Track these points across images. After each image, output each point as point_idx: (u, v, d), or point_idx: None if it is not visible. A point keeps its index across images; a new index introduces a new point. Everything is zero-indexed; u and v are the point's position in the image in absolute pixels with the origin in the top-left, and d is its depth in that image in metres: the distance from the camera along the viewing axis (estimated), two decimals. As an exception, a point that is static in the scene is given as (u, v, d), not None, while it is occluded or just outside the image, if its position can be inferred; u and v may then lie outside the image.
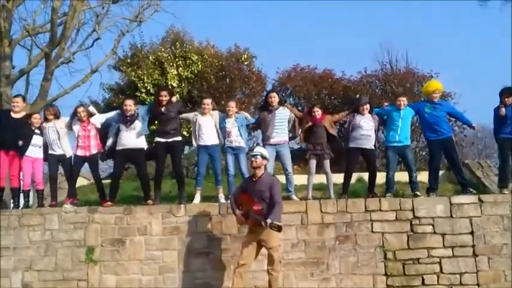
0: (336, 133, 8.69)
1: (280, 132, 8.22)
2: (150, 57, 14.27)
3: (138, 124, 8.06)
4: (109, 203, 8.07)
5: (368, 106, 8.39)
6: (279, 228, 6.14)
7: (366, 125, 8.24)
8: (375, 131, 8.40)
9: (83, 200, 8.55)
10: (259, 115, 8.51)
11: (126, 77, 14.58)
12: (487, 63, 46.76)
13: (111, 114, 8.44)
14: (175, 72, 13.89)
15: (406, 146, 8.33)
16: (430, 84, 8.74)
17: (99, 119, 8.29)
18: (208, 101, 8.45)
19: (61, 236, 7.69)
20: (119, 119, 8.13)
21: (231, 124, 8.26)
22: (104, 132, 8.26)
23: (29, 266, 7.63)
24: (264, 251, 6.63)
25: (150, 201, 8.06)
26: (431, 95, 8.30)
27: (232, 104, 8.39)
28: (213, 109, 8.49)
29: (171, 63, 14.01)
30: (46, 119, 8.38)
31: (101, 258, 7.59)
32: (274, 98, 8.32)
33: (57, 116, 8.38)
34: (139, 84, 13.72)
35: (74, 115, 8.20)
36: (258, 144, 10.51)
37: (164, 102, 8.24)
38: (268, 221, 6.13)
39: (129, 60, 14.65)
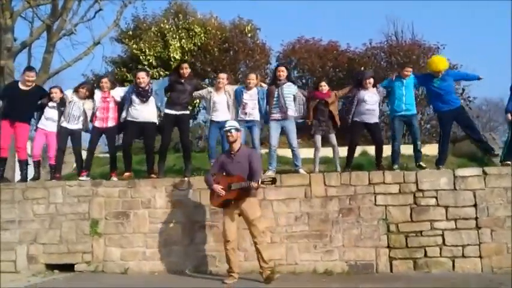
0: (337, 109, 8.57)
1: (285, 108, 8.12)
2: (153, 29, 14.10)
3: (151, 100, 8.05)
4: (127, 173, 8.17)
5: (372, 80, 8.31)
6: (273, 181, 6.11)
7: (370, 100, 8.21)
8: (380, 105, 8.34)
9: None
10: (268, 89, 8.43)
11: (128, 50, 14.46)
12: (495, 35, 46.08)
13: (127, 88, 8.48)
14: (178, 45, 13.74)
15: (413, 114, 8.33)
16: (435, 63, 8.25)
17: (119, 93, 8.31)
18: (224, 76, 8.43)
19: (65, 209, 7.75)
20: (133, 91, 8.09)
21: (248, 96, 8.16)
22: (120, 105, 8.27)
23: (34, 239, 7.71)
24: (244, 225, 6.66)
25: (153, 175, 8.07)
26: (436, 73, 8.13)
27: (252, 77, 8.27)
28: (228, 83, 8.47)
29: (174, 35, 13.85)
30: (77, 92, 8.29)
31: (105, 231, 7.66)
32: (283, 72, 8.20)
33: (91, 95, 8.30)
34: (141, 57, 13.60)
35: (98, 86, 8.24)
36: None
37: (186, 75, 8.29)
38: (259, 179, 6.14)
39: (131, 33, 14.50)
